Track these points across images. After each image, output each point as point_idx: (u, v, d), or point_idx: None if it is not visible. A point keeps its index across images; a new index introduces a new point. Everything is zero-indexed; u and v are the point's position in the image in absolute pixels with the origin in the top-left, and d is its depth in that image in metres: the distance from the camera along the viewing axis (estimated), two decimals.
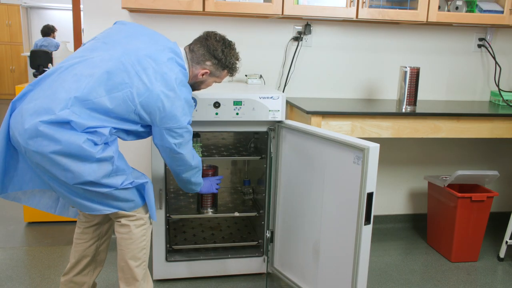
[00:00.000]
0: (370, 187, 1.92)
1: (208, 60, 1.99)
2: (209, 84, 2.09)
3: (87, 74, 1.73)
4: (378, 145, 1.92)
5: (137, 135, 1.92)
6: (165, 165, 2.38)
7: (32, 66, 7.52)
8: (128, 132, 1.87)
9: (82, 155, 1.69)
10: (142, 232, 1.95)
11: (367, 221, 1.95)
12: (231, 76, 2.12)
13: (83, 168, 1.70)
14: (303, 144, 2.26)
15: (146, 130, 1.91)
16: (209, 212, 2.67)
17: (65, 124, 1.67)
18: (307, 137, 2.23)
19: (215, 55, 1.99)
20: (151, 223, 2.01)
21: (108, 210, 1.85)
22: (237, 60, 2.08)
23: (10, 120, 1.75)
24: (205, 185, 2.32)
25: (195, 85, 2.06)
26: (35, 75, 7.63)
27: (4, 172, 1.82)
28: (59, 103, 1.67)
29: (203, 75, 2.01)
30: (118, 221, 1.93)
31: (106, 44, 1.84)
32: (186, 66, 1.95)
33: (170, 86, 1.81)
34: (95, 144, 1.72)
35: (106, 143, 1.77)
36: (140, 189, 1.92)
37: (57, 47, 8.22)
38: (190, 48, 2.01)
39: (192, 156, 2.00)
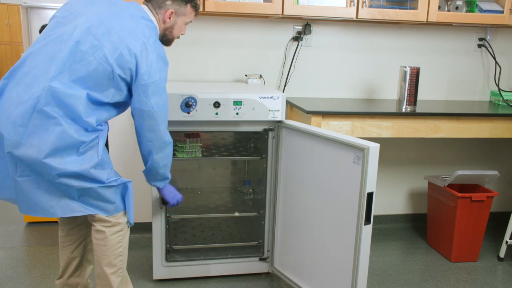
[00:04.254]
0: (370, 187, 1.92)
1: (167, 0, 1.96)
2: (180, 27, 2.04)
3: (58, 50, 1.72)
4: (378, 145, 1.92)
5: (120, 106, 1.90)
6: None
7: None
8: (110, 106, 1.84)
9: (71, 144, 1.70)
10: (118, 239, 1.91)
11: (367, 221, 1.95)
12: (196, 11, 2.06)
13: (68, 159, 1.70)
14: (303, 144, 2.26)
15: (125, 100, 1.88)
16: None
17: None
18: (307, 137, 2.23)
19: None
20: (128, 227, 1.97)
21: (86, 211, 1.81)
22: None
23: None
24: (170, 190, 2.19)
25: (167, 34, 2.03)
26: None
27: None
28: (40, 88, 1.68)
29: (170, 17, 1.97)
30: (94, 226, 1.90)
31: (66, 17, 1.81)
32: (152, 18, 1.93)
33: (139, 41, 1.78)
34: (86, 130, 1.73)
35: (94, 130, 1.76)
36: (122, 190, 1.89)
37: None
38: None
39: (165, 130, 1.93)
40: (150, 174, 2.03)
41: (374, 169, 1.92)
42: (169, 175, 2.08)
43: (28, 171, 1.72)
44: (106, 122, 1.90)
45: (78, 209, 1.80)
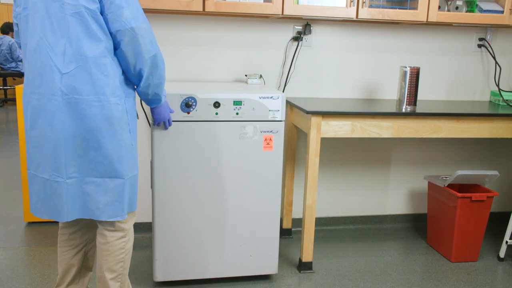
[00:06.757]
0: None
1: None
2: None
3: (38, 36, 1.69)
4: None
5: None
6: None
7: None
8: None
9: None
10: (120, 245, 1.90)
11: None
12: None
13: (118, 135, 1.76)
14: None
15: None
16: None
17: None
18: None
19: None
20: (132, 234, 1.96)
21: (115, 214, 1.81)
22: None
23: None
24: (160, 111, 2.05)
25: None
26: None
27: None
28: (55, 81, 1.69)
29: None
30: (98, 228, 1.89)
31: (27, 8, 1.73)
32: None
33: None
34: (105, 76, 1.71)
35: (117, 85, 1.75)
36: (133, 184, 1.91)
37: (9, 47, 8.23)
38: None
39: (151, 40, 1.76)
40: (143, 94, 1.90)
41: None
42: (163, 97, 1.97)
43: (76, 171, 1.76)
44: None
45: (106, 211, 1.80)
